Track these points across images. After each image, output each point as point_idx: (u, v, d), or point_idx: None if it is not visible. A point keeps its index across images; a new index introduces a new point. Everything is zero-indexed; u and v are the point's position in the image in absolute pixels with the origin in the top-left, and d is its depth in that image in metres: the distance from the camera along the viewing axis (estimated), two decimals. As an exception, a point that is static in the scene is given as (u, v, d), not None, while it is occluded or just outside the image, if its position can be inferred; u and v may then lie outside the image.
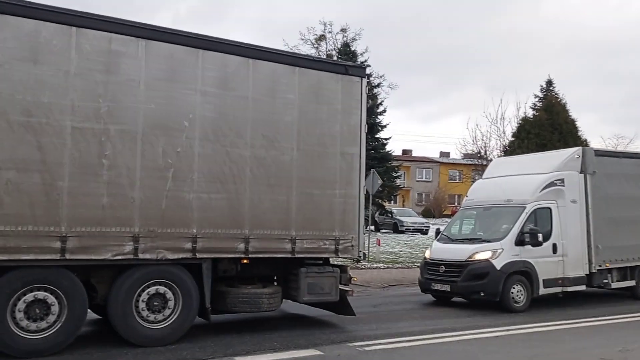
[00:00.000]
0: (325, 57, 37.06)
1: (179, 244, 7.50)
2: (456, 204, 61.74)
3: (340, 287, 8.90)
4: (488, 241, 11.56)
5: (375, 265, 18.35)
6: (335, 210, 8.78)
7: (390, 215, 37.34)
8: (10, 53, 6.54)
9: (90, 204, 6.94)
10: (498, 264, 11.05)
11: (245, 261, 8.26)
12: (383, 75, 43.38)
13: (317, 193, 8.64)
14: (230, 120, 7.96)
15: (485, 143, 33.73)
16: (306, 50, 39.78)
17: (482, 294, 11.06)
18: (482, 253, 11.28)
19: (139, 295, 7.35)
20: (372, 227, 29.87)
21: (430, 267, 12.01)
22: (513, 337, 8.75)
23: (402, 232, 34.76)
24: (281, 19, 78.23)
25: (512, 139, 32.27)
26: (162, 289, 7.49)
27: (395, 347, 7.82)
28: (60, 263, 6.78)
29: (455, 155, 45.58)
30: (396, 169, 39.25)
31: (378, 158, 35.83)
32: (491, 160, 31.84)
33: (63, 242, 6.73)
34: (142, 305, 7.35)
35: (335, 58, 40.05)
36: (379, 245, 21.32)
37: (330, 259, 9.17)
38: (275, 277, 9.06)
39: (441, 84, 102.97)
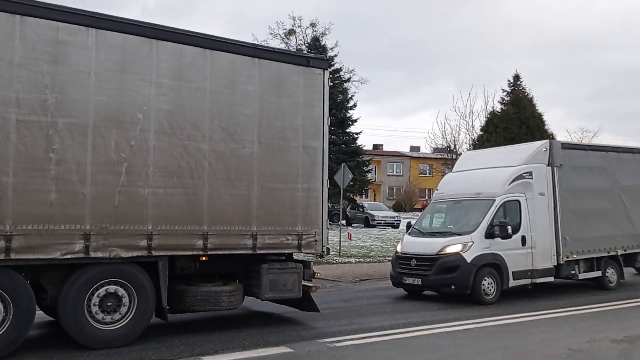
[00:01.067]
0: (295, 51, 36.85)
1: (133, 241, 7.20)
2: (426, 197, 62.31)
3: (304, 283, 8.72)
4: (458, 234, 11.53)
5: (346, 260, 18.30)
6: (298, 204, 8.57)
7: (361, 209, 37.37)
8: None
9: (37, 200, 6.59)
10: (468, 257, 11.04)
11: (204, 258, 8.00)
12: (353, 70, 43.56)
13: (279, 187, 8.42)
14: (186, 112, 7.68)
15: (454, 137, 34.08)
16: (276, 44, 39.52)
17: (453, 287, 11.03)
18: (453, 246, 11.26)
19: (91, 295, 7.02)
20: (344, 222, 29.87)
21: (401, 261, 11.93)
22: (483, 330, 8.69)
23: (374, 226, 34.83)
24: (251, 13, 77.81)
25: (481, 132, 32.64)
26: (115, 288, 7.18)
27: (366, 342, 7.70)
28: (5, 263, 6.42)
29: (425, 149, 45.82)
30: (367, 163, 39.32)
31: (349, 152, 35.86)
32: (461, 154, 32.28)
33: (8, 241, 6.38)
34: (94, 305, 7.03)
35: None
36: (350, 239, 21.27)
37: (294, 255, 8.95)
38: (236, 274, 8.79)
39: (411, 78, 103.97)
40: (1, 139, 6.41)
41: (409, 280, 11.64)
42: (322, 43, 39.08)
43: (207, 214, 7.77)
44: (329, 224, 30.66)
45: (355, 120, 37.91)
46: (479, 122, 33.41)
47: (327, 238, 9.00)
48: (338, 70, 39.03)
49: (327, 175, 8.94)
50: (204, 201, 7.76)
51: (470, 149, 30.42)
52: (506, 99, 35.95)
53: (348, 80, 40.04)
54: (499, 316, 9.72)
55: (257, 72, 8.26)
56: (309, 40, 40.11)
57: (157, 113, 7.44)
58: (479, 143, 30.97)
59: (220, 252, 7.95)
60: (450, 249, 11.26)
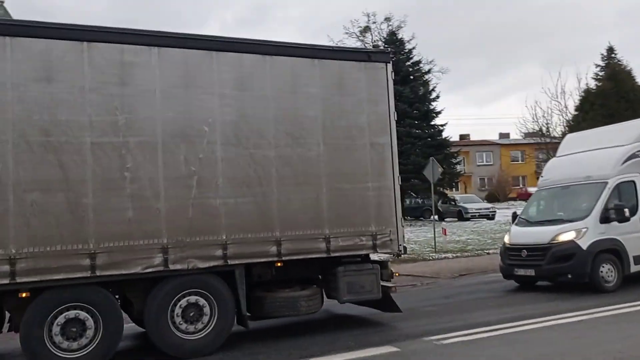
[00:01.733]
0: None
1: (209, 252, 7.33)
2: (521, 185, 59.99)
3: (383, 283, 8.55)
4: (570, 221, 11.06)
5: (443, 256, 17.95)
6: (370, 204, 8.40)
7: (453, 202, 36.62)
8: (25, 74, 6.57)
9: (116, 218, 6.87)
10: (584, 243, 10.61)
11: (279, 264, 7.98)
12: (433, 61, 42.80)
13: (348, 188, 8.28)
14: (251, 121, 7.73)
15: (546, 120, 32.55)
16: (352, 43, 39.60)
17: (569, 276, 10.67)
18: (566, 234, 10.85)
19: (174, 306, 7.22)
20: (436, 217, 29.36)
21: (511, 252, 11.64)
22: (599, 320, 8.23)
23: (467, 219, 34.10)
24: (325, 15, 78.45)
25: (576, 112, 30.99)
26: (196, 298, 7.34)
27: (473, 338, 7.49)
28: (91, 280, 6.75)
29: (516, 135, 44.19)
30: (455, 155, 38.39)
31: (435, 145, 35.16)
32: (555, 137, 30.78)
33: (92, 259, 6.69)
34: (177, 316, 7.22)
35: (382, 48, 39.40)
36: (445, 235, 20.87)
37: (371, 256, 8.80)
38: (314, 278, 8.77)
39: (495, 64, 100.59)
40: (78, 162, 6.74)
41: (520, 272, 11.36)
42: (399, 37, 38.60)
43: (278, 220, 7.78)
44: (421, 219, 30.27)
45: (440, 112, 37.11)
46: (572, 101, 31.80)
47: (403, 236, 8.77)
48: (417, 63, 38.38)
49: (397, 172, 8.72)
50: (274, 208, 7.77)
51: (565, 131, 28.91)
52: (601, 74, 33.75)
53: (428, 71, 39.25)
54: (615, 305, 9.14)
55: (317, 73, 8.20)
56: (385, 36, 39.72)
57: (223, 124, 7.54)
58: (574, 123, 29.37)
59: (295, 257, 7.92)
60: (564, 237, 10.86)
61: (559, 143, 29.12)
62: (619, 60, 34.22)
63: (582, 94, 31.21)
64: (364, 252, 8.49)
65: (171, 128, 7.27)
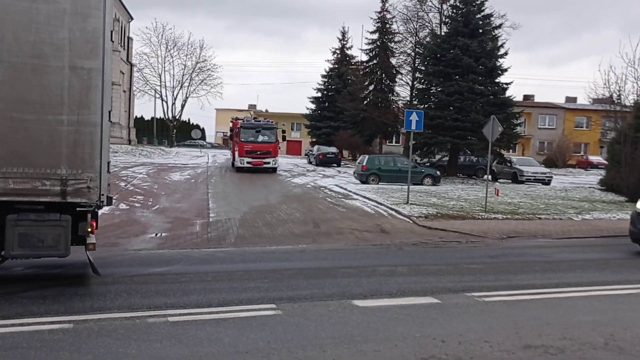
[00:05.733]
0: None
1: None
2: (582, 153, 57.81)
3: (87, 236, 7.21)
4: None
5: (492, 216, 17.55)
6: (61, 141, 6.87)
7: (509, 164, 35.71)
8: None
9: None
10: None
11: None
12: (504, 15, 40.67)
13: (31, 119, 6.76)
14: None
15: (619, 86, 30.78)
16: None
17: None
18: None
19: None
20: (489, 177, 28.81)
21: None
22: (648, 295, 7.99)
23: (522, 182, 33.01)
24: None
25: (653, 80, 29.18)
26: None
27: (515, 299, 7.40)
28: None
29: (584, 100, 42.19)
30: (517, 115, 37.13)
31: (497, 104, 33.78)
32: (626, 105, 29.29)
33: None
34: None
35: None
36: (497, 195, 20.49)
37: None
38: None
39: (571, 24, 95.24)
40: None
41: None
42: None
43: None
44: (473, 178, 29.57)
45: (506, 70, 35.35)
46: (649, 69, 29.79)
47: (108, 185, 7.22)
48: (488, 16, 36.72)
49: (109, 106, 7.11)
50: None
51: (637, 100, 27.47)
52: (686, 41, 31.52)
53: (499, 26, 37.21)
54: (669, 282, 8.75)
55: None
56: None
57: None
58: (649, 93, 27.77)
59: None
60: None
61: (629, 112, 27.86)
62: None
63: (662, 61, 29.23)
64: (48, 199, 6.96)
65: None
